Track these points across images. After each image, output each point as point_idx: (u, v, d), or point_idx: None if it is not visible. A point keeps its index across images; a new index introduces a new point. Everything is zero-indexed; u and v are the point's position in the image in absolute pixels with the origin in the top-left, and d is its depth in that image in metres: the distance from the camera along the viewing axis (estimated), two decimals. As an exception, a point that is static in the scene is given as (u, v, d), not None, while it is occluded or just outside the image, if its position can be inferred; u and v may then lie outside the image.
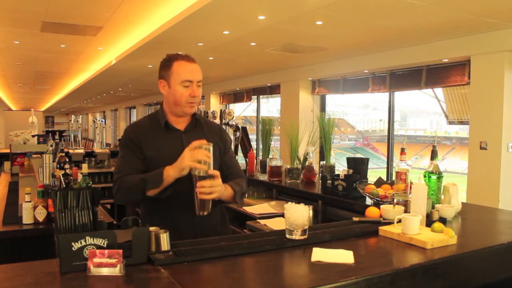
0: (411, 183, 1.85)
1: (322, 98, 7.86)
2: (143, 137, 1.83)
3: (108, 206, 6.91)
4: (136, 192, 1.73)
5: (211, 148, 1.67)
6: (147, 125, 1.90)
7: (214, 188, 1.66)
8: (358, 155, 11.44)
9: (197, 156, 1.63)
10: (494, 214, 2.36)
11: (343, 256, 1.38)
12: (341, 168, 3.21)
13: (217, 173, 1.69)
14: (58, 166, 3.08)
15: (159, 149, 1.82)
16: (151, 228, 1.39)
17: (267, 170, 3.42)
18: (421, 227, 1.61)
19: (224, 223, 2.00)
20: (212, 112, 5.51)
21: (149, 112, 16.65)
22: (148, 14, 5.12)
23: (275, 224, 2.55)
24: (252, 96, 9.62)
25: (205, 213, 1.68)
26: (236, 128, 4.33)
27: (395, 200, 1.96)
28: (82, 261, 1.20)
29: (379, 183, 2.30)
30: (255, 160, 3.78)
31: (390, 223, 1.73)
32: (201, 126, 1.93)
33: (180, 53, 1.86)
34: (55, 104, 20.76)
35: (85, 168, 2.70)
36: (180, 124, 1.89)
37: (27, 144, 5.95)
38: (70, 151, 6.46)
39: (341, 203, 2.60)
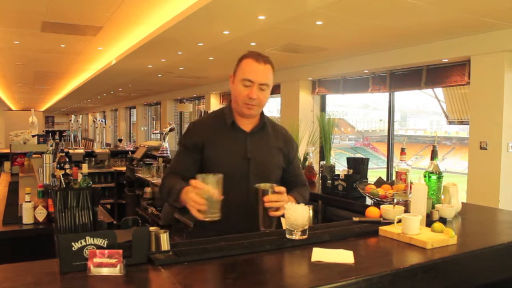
0: (411, 183, 1.86)
1: (322, 98, 7.86)
2: (207, 136, 1.77)
3: (108, 206, 6.92)
4: (165, 199, 1.73)
5: (212, 179, 1.52)
6: (211, 122, 1.83)
7: (281, 203, 1.58)
8: (358, 155, 11.44)
9: (190, 201, 1.52)
10: (494, 214, 2.36)
11: (343, 256, 1.38)
12: (341, 168, 3.21)
13: (283, 189, 1.62)
14: (58, 166, 3.08)
15: (222, 149, 1.75)
16: (151, 228, 1.39)
17: (267, 170, 3.41)
18: (421, 227, 1.61)
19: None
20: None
21: (149, 112, 16.76)
22: (148, 14, 5.12)
23: (275, 224, 2.54)
24: (252, 96, 9.61)
25: (269, 229, 1.61)
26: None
27: (395, 200, 1.96)
28: (82, 261, 1.20)
29: (379, 183, 2.30)
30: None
31: (390, 223, 1.73)
32: (267, 129, 1.85)
33: (256, 52, 1.78)
34: (55, 104, 20.76)
35: (85, 168, 2.70)
36: (247, 125, 1.81)
37: (27, 144, 5.96)
38: (70, 151, 6.47)
39: (341, 203, 2.60)
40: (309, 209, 1.54)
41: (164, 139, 6.17)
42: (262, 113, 1.84)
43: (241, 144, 1.78)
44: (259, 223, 1.61)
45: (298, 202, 1.65)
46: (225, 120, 1.80)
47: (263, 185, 1.61)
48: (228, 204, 1.58)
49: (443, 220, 1.87)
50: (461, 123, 5.96)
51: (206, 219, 1.51)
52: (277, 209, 1.59)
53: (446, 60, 5.23)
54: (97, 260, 1.18)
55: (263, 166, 1.79)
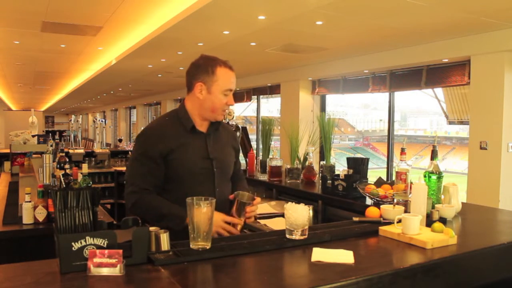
0: (411, 183, 1.85)
1: (322, 98, 7.86)
2: (170, 142, 1.77)
3: (108, 206, 6.91)
4: (153, 218, 1.73)
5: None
6: (170, 127, 1.83)
7: (256, 212, 1.82)
8: (358, 155, 11.44)
9: (222, 230, 1.73)
10: (494, 214, 2.36)
11: (343, 256, 1.38)
12: (341, 168, 3.21)
13: (259, 200, 1.84)
14: (58, 166, 3.08)
15: (186, 153, 1.78)
16: (151, 228, 1.39)
17: (267, 170, 3.42)
18: (421, 227, 1.61)
19: None
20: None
21: (149, 112, 16.76)
22: (148, 14, 5.12)
23: (275, 224, 2.54)
24: (252, 96, 9.62)
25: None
26: (236, 128, 4.32)
27: (395, 200, 1.96)
28: (82, 261, 1.20)
29: (379, 183, 2.30)
30: (255, 160, 3.78)
31: (390, 223, 1.73)
32: (219, 128, 1.93)
33: (217, 57, 1.83)
34: (55, 104, 20.77)
35: (85, 168, 2.70)
36: (203, 126, 1.87)
37: (27, 144, 5.95)
38: (70, 151, 6.46)
39: (341, 203, 2.60)
40: (309, 209, 1.54)
41: (164, 139, 6.15)
42: None
43: (202, 145, 1.84)
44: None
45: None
46: (184, 124, 1.83)
47: (242, 195, 1.78)
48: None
49: (443, 220, 1.86)
50: (461, 123, 5.96)
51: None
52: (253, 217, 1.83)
53: (446, 60, 5.23)
54: (97, 260, 1.18)
55: (224, 164, 1.89)
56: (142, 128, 1.92)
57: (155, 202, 1.75)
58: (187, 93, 1.87)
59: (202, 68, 1.80)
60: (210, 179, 1.80)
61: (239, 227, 1.77)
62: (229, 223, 1.74)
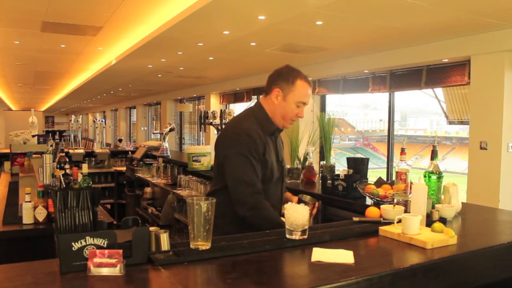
0: (411, 183, 1.85)
1: (322, 98, 7.86)
2: (263, 144, 1.89)
3: (108, 206, 6.92)
4: (267, 226, 1.70)
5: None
6: (261, 131, 1.92)
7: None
8: (358, 155, 11.44)
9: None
10: (494, 214, 2.36)
11: (343, 256, 1.37)
12: (341, 168, 3.21)
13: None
14: (58, 166, 3.08)
15: (270, 154, 1.90)
16: (151, 228, 1.38)
17: (267, 170, 3.41)
18: (421, 227, 1.61)
19: None
20: (212, 112, 5.51)
21: (149, 112, 16.75)
22: (148, 14, 5.13)
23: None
24: (252, 96, 9.61)
25: None
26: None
27: (395, 200, 1.96)
28: (82, 261, 1.20)
29: (379, 183, 2.30)
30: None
31: (390, 223, 1.73)
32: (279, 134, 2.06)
33: (301, 72, 1.94)
34: (55, 104, 20.76)
35: (85, 168, 2.70)
36: None
37: (27, 144, 5.96)
38: (70, 151, 6.47)
39: (341, 203, 2.60)
40: (309, 209, 1.54)
41: (164, 139, 6.16)
42: None
43: (275, 148, 1.96)
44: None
45: None
46: (268, 128, 1.93)
47: (305, 197, 1.82)
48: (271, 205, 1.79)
49: (443, 220, 1.86)
50: (461, 123, 5.96)
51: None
52: None
53: (446, 60, 5.23)
54: (97, 260, 1.18)
55: (284, 167, 2.01)
56: (235, 128, 1.92)
57: (271, 211, 1.82)
58: (264, 96, 1.98)
59: (283, 76, 1.91)
60: (280, 181, 1.91)
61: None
62: None
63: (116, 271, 1.18)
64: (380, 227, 1.67)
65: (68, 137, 12.81)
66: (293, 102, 1.87)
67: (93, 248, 1.21)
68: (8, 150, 5.91)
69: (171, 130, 6.33)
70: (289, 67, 1.94)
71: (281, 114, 1.90)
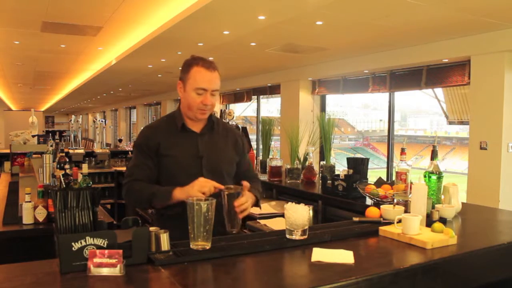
0: (411, 183, 1.85)
1: (322, 98, 7.86)
2: (160, 137, 1.87)
3: (108, 206, 6.91)
4: (143, 203, 1.84)
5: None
6: (164, 126, 1.93)
7: (248, 204, 1.69)
8: (358, 155, 11.44)
9: (204, 188, 1.65)
10: (494, 214, 2.36)
11: (343, 256, 1.37)
12: (341, 168, 3.21)
13: (247, 184, 1.71)
14: (58, 166, 3.08)
15: (175, 150, 1.85)
16: (151, 228, 1.38)
17: (267, 170, 3.42)
18: (421, 227, 1.61)
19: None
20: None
21: (149, 112, 16.77)
22: (148, 14, 5.13)
23: (275, 224, 2.54)
24: (252, 96, 9.62)
25: (236, 230, 1.66)
26: (236, 128, 4.33)
27: (395, 200, 1.96)
28: (82, 261, 1.20)
29: (379, 183, 2.30)
30: (255, 160, 3.78)
31: (390, 223, 1.73)
32: (216, 128, 1.96)
33: (202, 58, 1.85)
34: (55, 104, 20.76)
35: (85, 168, 2.70)
36: (196, 126, 1.92)
37: (27, 144, 5.95)
38: (70, 151, 6.46)
39: (341, 203, 2.60)
40: (309, 209, 1.54)
41: (164, 139, 6.15)
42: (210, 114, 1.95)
43: (192, 144, 1.89)
44: (226, 225, 1.65)
45: (258, 198, 1.87)
46: (176, 123, 1.90)
47: (229, 189, 1.65)
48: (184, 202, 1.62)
49: (443, 220, 1.86)
50: (461, 123, 5.96)
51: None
52: (245, 209, 1.68)
53: (446, 60, 5.23)
54: (97, 260, 1.18)
55: (215, 162, 1.90)
56: None
57: (144, 185, 1.83)
58: None
59: (182, 67, 1.88)
60: (199, 177, 1.76)
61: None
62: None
63: (116, 271, 1.18)
64: (380, 227, 1.67)
65: (68, 137, 12.80)
66: (191, 90, 1.81)
67: (93, 248, 1.20)
68: (8, 150, 5.91)
69: (171, 130, 6.32)
70: (191, 57, 1.87)
71: (187, 105, 1.84)
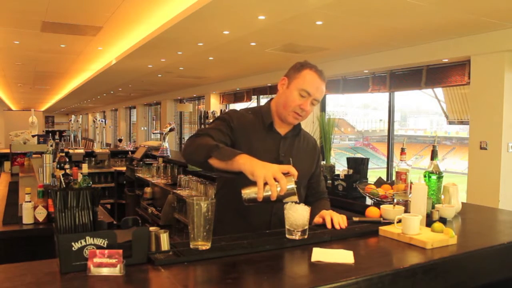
0: (411, 183, 1.85)
1: (322, 98, 7.85)
2: (243, 130, 1.77)
3: (108, 206, 6.92)
4: (202, 153, 1.57)
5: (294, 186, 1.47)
6: (250, 119, 1.82)
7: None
8: (358, 155, 11.44)
9: (281, 182, 1.42)
10: (494, 214, 2.36)
11: (343, 256, 1.37)
12: (341, 168, 3.21)
13: (294, 172, 1.53)
14: (58, 166, 3.08)
15: (255, 148, 1.73)
16: (151, 228, 1.38)
17: (267, 170, 3.41)
18: (421, 227, 1.61)
19: None
20: (212, 112, 5.52)
21: (149, 112, 16.76)
22: (148, 14, 5.13)
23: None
24: (252, 96, 9.62)
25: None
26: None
27: (395, 200, 1.96)
28: (82, 261, 1.19)
29: (379, 183, 2.30)
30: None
31: (390, 223, 1.73)
32: (300, 135, 1.91)
33: (316, 66, 1.84)
34: (55, 104, 20.77)
35: (85, 168, 2.71)
36: (282, 128, 1.85)
37: (27, 144, 5.96)
38: (70, 151, 6.47)
39: (341, 203, 2.60)
40: (309, 209, 1.53)
41: (164, 139, 6.16)
42: None
43: (274, 146, 1.81)
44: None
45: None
46: (263, 120, 1.82)
47: (273, 188, 1.43)
48: (255, 205, 1.52)
49: (443, 220, 1.86)
50: (461, 123, 5.96)
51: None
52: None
53: (446, 60, 5.23)
54: (97, 260, 1.18)
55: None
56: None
57: (210, 140, 1.65)
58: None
59: (294, 66, 1.84)
60: None
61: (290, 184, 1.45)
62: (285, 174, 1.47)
63: (116, 271, 1.18)
64: (380, 227, 1.67)
65: (68, 137, 12.81)
66: (296, 88, 1.75)
67: (93, 248, 1.20)
68: (8, 150, 5.91)
69: (171, 130, 6.33)
70: (305, 61, 1.86)
71: (283, 102, 1.78)
